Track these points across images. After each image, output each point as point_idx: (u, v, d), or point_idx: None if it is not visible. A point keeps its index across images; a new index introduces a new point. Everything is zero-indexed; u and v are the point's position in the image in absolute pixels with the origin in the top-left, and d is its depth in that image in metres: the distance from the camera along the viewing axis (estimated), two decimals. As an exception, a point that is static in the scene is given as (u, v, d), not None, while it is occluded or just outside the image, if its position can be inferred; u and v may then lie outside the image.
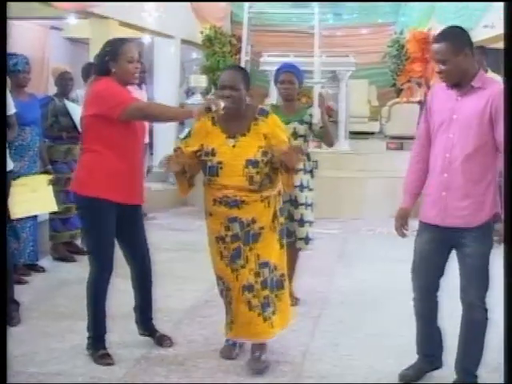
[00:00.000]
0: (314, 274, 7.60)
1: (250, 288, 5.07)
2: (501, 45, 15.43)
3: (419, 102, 16.17)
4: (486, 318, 4.67)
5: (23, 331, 5.76)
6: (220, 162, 5.02)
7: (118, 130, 5.07)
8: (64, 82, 8.42)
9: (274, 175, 5.12)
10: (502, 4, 12.77)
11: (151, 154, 13.01)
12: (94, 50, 12.24)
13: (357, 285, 7.48)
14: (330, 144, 6.97)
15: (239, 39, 17.96)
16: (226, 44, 17.14)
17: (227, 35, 17.88)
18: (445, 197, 4.63)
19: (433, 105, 4.78)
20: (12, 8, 13.44)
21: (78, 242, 8.46)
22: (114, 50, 5.12)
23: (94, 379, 4.93)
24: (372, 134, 17.09)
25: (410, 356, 5.14)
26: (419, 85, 16.80)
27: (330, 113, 13.26)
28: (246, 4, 13.95)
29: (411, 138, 15.15)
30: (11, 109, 6.11)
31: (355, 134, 14.92)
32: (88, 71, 8.84)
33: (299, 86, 6.59)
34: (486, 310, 4.65)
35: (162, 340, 5.57)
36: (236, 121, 5.08)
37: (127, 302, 5.65)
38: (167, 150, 13.31)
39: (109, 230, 5.22)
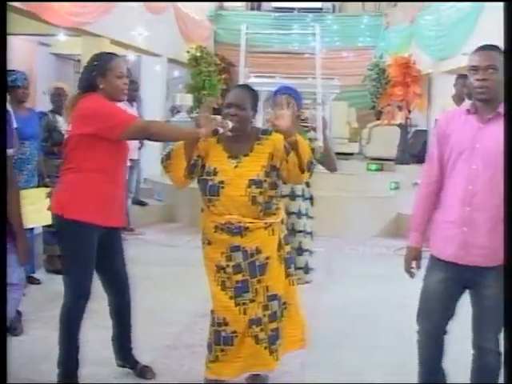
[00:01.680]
0: (303, 289, 7.68)
1: (257, 322, 4.75)
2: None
3: (399, 125, 16.41)
4: (500, 362, 4.12)
5: (26, 341, 5.83)
6: (221, 182, 4.68)
7: (107, 150, 4.71)
8: (59, 99, 8.48)
9: (277, 201, 4.84)
10: (482, 30, 13.08)
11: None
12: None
13: (345, 300, 7.58)
14: (334, 169, 6.40)
15: (223, 59, 18.19)
16: (211, 64, 17.29)
17: (212, 55, 18.05)
18: (466, 233, 4.12)
19: (449, 131, 4.24)
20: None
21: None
22: (102, 64, 4.77)
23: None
24: (351, 154, 17.25)
25: (397, 366, 5.53)
26: (400, 108, 17.04)
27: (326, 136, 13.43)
28: (243, 28, 13.99)
29: (391, 160, 15.47)
30: (12, 123, 6.11)
31: (336, 155, 15.00)
32: None
33: (297, 110, 5.86)
34: (500, 354, 4.12)
35: (143, 372, 5.21)
36: (240, 141, 4.75)
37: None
38: (153, 166, 13.46)
39: (90, 256, 4.81)
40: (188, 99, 15.97)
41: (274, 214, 4.82)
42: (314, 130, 13.15)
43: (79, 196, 4.73)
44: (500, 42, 4.04)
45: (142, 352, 5.48)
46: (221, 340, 4.79)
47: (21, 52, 15.98)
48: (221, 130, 4.59)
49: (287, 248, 4.97)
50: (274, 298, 4.79)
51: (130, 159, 10.20)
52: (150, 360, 5.46)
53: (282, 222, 4.95)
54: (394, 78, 17.04)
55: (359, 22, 21.29)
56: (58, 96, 8.50)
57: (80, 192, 4.74)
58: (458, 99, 10.49)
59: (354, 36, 20.94)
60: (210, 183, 4.72)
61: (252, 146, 4.76)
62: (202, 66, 17.10)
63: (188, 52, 17.39)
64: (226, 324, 4.76)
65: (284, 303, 4.91)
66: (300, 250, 5.97)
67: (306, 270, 6.04)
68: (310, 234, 6.09)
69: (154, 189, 13.36)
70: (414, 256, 4.50)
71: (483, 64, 3.99)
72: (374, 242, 11.09)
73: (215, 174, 4.74)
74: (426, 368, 4.47)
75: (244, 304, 4.74)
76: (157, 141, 5.62)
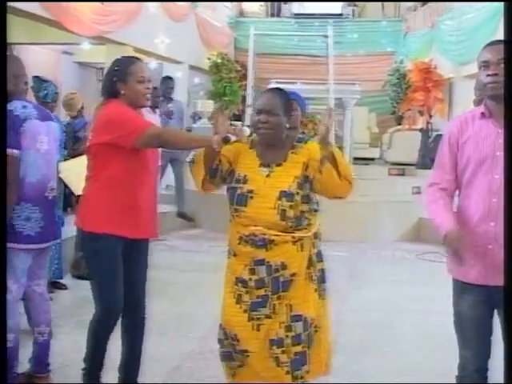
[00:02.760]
0: (327, 293, 7.72)
1: (279, 343, 4.26)
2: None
3: (421, 130, 16.41)
4: None
5: (54, 345, 5.87)
6: (251, 191, 4.26)
7: (128, 159, 4.42)
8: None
9: (310, 216, 4.35)
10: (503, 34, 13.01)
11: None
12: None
13: (368, 305, 7.60)
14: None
15: (243, 66, 18.24)
16: (232, 70, 17.37)
17: (232, 61, 18.12)
18: (492, 250, 3.69)
19: (464, 138, 3.84)
20: (27, 33, 13.64)
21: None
22: (122, 69, 4.50)
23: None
24: (372, 159, 17.28)
25: (422, 373, 5.48)
26: (421, 113, 17.04)
27: (338, 139, 13.49)
28: (251, 29, 14.03)
29: (412, 165, 15.46)
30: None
31: (356, 160, 15.07)
32: None
33: (302, 115, 5.62)
34: None
35: None
36: (273, 149, 4.33)
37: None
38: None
39: (114, 269, 4.53)
40: (209, 105, 16.02)
41: (305, 228, 4.32)
42: (337, 135, 13.18)
43: (97, 207, 4.49)
44: None
45: (167, 357, 5.54)
46: (237, 352, 4.39)
47: (45, 61, 16.14)
48: (232, 138, 4.12)
49: (319, 265, 4.56)
50: (298, 318, 4.28)
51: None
52: (176, 364, 5.51)
53: (315, 236, 4.52)
54: (414, 82, 17.04)
55: (379, 28, 21.30)
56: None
57: (98, 203, 4.49)
58: (479, 103, 10.50)
59: (374, 41, 20.93)
60: (239, 192, 4.30)
61: (286, 154, 4.34)
62: (222, 72, 17.20)
63: (209, 59, 17.49)
64: (238, 340, 4.34)
65: (315, 326, 4.43)
66: (320, 257, 5.68)
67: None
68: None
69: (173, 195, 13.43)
70: (457, 237, 3.72)
71: (494, 58, 3.70)
72: (396, 246, 11.10)
73: (245, 182, 4.32)
74: None
75: (258, 319, 4.28)
76: (172, 148, 5.46)
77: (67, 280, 8.03)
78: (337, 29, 18.51)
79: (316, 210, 5.49)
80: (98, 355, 4.66)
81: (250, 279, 4.28)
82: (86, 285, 7.56)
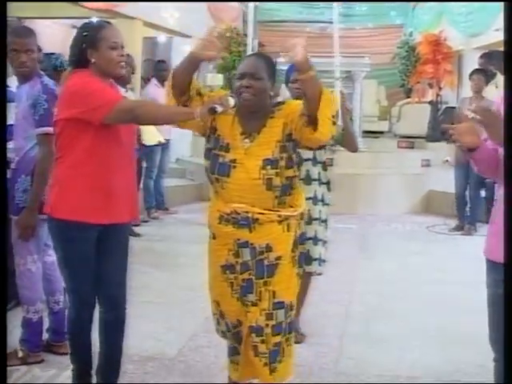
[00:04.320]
0: (339, 265, 7.80)
1: (258, 331, 3.95)
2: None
3: (430, 102, 16.38)
4: None
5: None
6: (233, 160, 3.89)
7: (97, 136, 3.89)
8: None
9: (295, 186, 4.00)
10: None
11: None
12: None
13: (379, 275, 7.68)
14: (354, 149, 5.87)
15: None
16: (241, 44, 17.35)
17: (242, 35, 18.10)
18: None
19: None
20: (37, 8, 13.67)
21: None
22: (92, 34, 3.92)
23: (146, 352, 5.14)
24: (381, 133, 17.28)
25: (435, 339, 5.60)
26: (430, 85, 16.99)
27: (346, 112, 13.48)
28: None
29: (422, 138, 15.48)
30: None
31: (366, 133, 15.07)
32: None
33: None
34: None
35: None
36: (255, 117, 3.93)
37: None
38: (185, 146, 13.53)
39: (85, 259, 4.05)
40: (219, 79, 16.03)
41: (291, 206, 3.99)
42: (347, 108, 13.18)
43: (67, 192, 3.99)
44: None
45: (182, 327, 5.63)
46: (242, 338, 4.12)
47: (54, 35, 16.14)
48: (219, 109, 3.76)
49: (301, 248, 4.14)
50: (280, 306, 3.95)
51: (165, 139, 10.34)
52: (191, 333, 5.58)
53: (301, 217, 4.10)
54: (424, 55, 16.93)
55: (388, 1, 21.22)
56: None
57: (68, 187, 3.99)
58: (488, 77, 10.59)
59: (383, 14, 20.83)
60: (221, 160, 3.93)
61: (265, 121, 3.93)
62: (232, 46, 17.15)
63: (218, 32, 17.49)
64: (241, 324, 4.09)
65: (294, 314, 4.15)
66: (315, 240, 5.35)
67: (320, 262, 5.43)
68: (325, 221, 5.49)
69: (186, 169, 13.49)
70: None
71: None
72: (406, 218, 11.15)
73: (227, 150, 3.94)
74: None
75: (246, 306, 4.01)
76: (146, 124, 4.97)
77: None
78: (346, 2, 18.47)
79: (327, 204, 5.51)
80: (82, 353, 4.26)
81: (236, 263, 3.97)
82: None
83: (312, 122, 3.67)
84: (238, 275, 3.97)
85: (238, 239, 3.91)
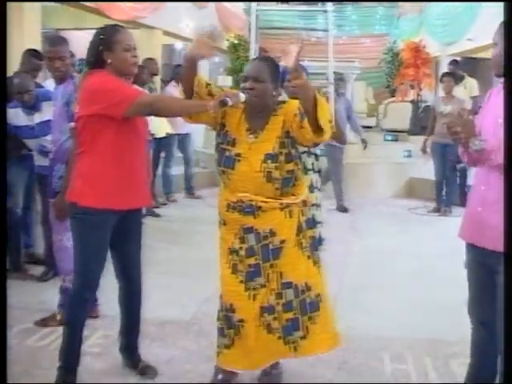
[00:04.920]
0: (332, 241, 7.77)
1: (270, 310, 3.85)
2: (480, 55, 15.61)
3: (411, 101, 16.42)
4: None
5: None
6: (238, 154, 3.81)
7: (118, 129, 3.84)
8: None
9: (297, 178, 3.89)
10: (484, 19, 13.03)
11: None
12: (142, 55, 12.49)
13: (367, 251, 7.68)
14: (343, 141, 5.81)
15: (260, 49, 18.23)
16: (247, 50, 17.34)
17: (248, 42, 18.10)
18: (480, 213, 3.27)
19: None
20: (70, 20, 13.64)
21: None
22: (108, 38, 3.85)
23: (165, 316, 5.16)
24: (370, 127, 17.25)
25: (415, 305, 5.61)
26: (412, 86, 17.10)
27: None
28: (253, 5, 13.93)
29: (404, 132, 15.46)
30: None
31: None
32: (137, 73, 9.05)
33: None
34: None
35: (145, 371, 4.26)
36: (260, 115, 3.84)
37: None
38: (198, 136, 13.48)
39: (101, 245, 3.97)
40: (228, 80, 16.11)
41: (293, 195, 3.88)
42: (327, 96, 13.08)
43: (90, 182, 3.90)
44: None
45: (196, 294, 5.64)
46: (232, 325, 3.92)
47: (83, 44, 16.17)
48: (229, 102, 3.63)
49: (310, 233, 4.02)
50: (288, 285, 3.85)
51: (185, 133, 10.29)
52: (204, 300, 5.57)
53: (304, 204, 3.99)
54: (406, 60, 17.06)
55: (375, 12, 21.16)
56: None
57: (91, 178, 3.90)
58: (457, 79, 10.63)
59: (371, 24, 20.83)
60: (227, 154, 3.84)
61: (268, 118, 3.85)
62: (239, 51, 17.17)
63: (227, 40, 17.46)
64: (233, 311, 3.89)
65: (317, 295, 3.94)
66: (314, 223, 5.11)
67: (320, 241, 5.14)
68: (320, 206, 5.27)
69: (199, 158, 13.47)
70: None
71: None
72: (390, 202, 11.13)
73: (233, 144, 3.86)
74: (474, 360, 3.59)
75: (255, 289, 3.84)
76: (164, 116, 4.73)
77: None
78: (338, 13, 18.53)
79: (320, 190, 5.17)
80: (73, 341, 4.03)
81: (241, 248, 3.85)
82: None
83: (312, 124, 3.51)
84: (244, 259, 3.84)
85: (244, 225, 3.82)
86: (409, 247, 7.88)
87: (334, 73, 11.47)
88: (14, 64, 6.92)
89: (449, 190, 10.09)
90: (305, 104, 3.48)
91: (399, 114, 16.09)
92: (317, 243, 4.78)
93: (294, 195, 3.86)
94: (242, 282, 3.84)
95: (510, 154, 2.99)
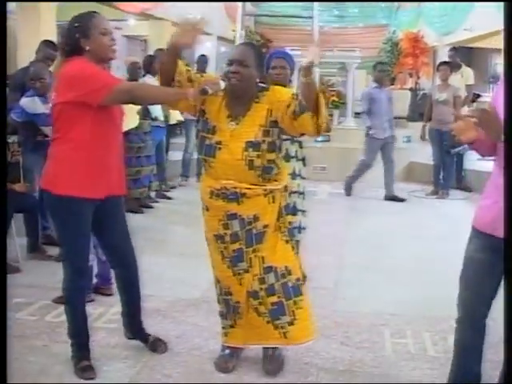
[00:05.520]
0: (334, 222, 7.83)
1: (254, 295, 3.77)
2: (476, 45, 15.56)
3: (410, 89, 16.46)
4: None
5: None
6: (219, 142, 3.64)
7: (94, 118, 3.61)
8: (134, 71, 8.57)
9: (278, 166, 3.76)
10: (480, 10, 12.98)
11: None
12: (152, 45, 12.52)
13: (368, 231, 7.68)
14: (327, 129, 5.67)
15: (262, 36, 18.19)
16: (253, 40, 17.29)
17: (253, 33, 18.06)
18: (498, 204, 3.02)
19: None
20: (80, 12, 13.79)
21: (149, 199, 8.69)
22: (83, 24, 3.64)
23: (176, 294, 5.19)
24: (370, 114, 17.25)
25: (414, 282, 5.67)
26: (410, 75, 17.16)
27: (341, 96, 13.49)
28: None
29: (404, 118, 15.46)
30: None
31: (357, 114, 15.04)
32: (149, 63, 9.05)
33: (291, 73, 5.09)
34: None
35: (155, 345, 4.17)
36: (241, 101, 3.66)
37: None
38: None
39: (83, 232, 3.78)
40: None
41: (275, 181, 3.76)
42: (339, 94, 13.11)
43: (66, 169, 3.68)
44: (495, 21, 3.71)
45: (205, 273, 5.66)
46: (231, 307, 3.90)
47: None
48: (210, 91, 3.53)
49: (288, 218, 3.99)
50: (269, 270, 3.74)
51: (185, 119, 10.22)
52: (213, 278, 5.60)
53: (285, 189, 3.89)
54: (405, 50, 17.12)
55: (376, 4, 21.10)
56: (134, 69, 8.58)
57: (67, 165, 3.68)
58: (455, 68, 10.61)
59: (372, 16, 20.75)
60: (207, 142, 3.68)
61: (250, 105, 3.67)
62: (245, 41, 17.12)
63: (233, 31, 17.38)
64: (231, 294, 3.85)
65: (298, 279, 3.82)
66: (294, 210, 5.03)
67: (300, 229, 5.13)
68: (303, 194, 5.17)
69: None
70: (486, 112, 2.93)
71: None
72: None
73: (214, 132, 3.68)
74: (458, 360, 3.40)
75: (239, 274, 3.78)
76: (142, 104, 4.15)
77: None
78: (340, 5, 18.52)
79: (303, 178, 5.08)
80: (79, 324, 3.93)
81: (226, 234, 3.74)
82: (133, 217, 7.68)
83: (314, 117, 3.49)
84: (229, 245, 3.74)
85: (228, 211, 3.70)
86: (408, 227, 7.89)
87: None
88: (31, 56, 6.95)
89: (446, 174, 10.09)
90: (306, 102, 3.45)
91: (398, 101, 16.02)
92: (297, 231, 4.93)
93: (276, 181, 3.76)
94: (228, 267, 3.79)
95: (510, 154, 2.85)
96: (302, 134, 3.84)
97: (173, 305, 5.06)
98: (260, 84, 3.73)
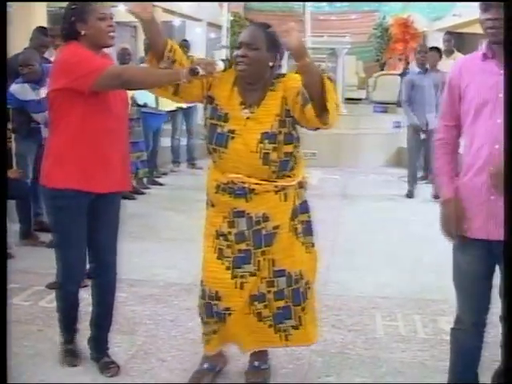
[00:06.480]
0: (326, 209, 7.84)
1: (260, 298, 3.47)
2: (465, 30, 15.61)
3: (400, 74, 16.48)
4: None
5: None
6: (232, 131, 3.31)
7: (88, 105, 3.39)
8: (124, 57, 8.56)
9: (295, 160, 3.41)
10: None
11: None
12: (142, 32, 12.43)
13: (359, 216, 7.74)
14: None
15: (251, 22, 18.17)
16: (243, 26, 17.30)
17: (243, 18, 18.09)
18: (494, 201, 2.86)
19: (465, 82, 2.96)
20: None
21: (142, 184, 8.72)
22: (80, 7, 3.41)
23: (169, 279, 5.21)
24: (360, 100, 17.29)
25: (403, 266, 5.75)
26: (400, 60, 17.20)
27: (332, 82, 13.49)
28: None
29: (393, 104, 15.49)
30: None
31: (347, 100, 15.09)
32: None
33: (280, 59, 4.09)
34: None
35: (104, 368, 3.77)
36: (254, 88, 3.34)
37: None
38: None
39: (78, 229, 3.57)
40: (223, 55, 16.09)
41: (289, 177, 3.41)
42: (330, 79, 13.09)
43: (60, 161, 3.49)
44: None
45: (197, 258, 5.68)
46: (213, 314, 3.48)
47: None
48: (201, 71, 3.17)
49: (303, 217, 3.54)
50: (281, 274, 3.44)
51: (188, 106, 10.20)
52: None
53: (300, 186, 3.51)
54: (395, 35, 17.24)
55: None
56: (123, 55, 8.58)
57: (60, 157, 3.49)
58: (448, 53, 10.62)
59: (361, 1, 20.85)
60: (219, 130, 3.34)
61: (265, 93, 3.34)
62: (235, 27, 17.07)
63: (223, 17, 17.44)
64: (219, 299, 3.44)
65: (307, 283, 3.54)
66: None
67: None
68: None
69: (199, 131, 13.47)
70: (450, 213, 3.03)
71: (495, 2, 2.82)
72: (381, 170, 11.13)
73: (226, 120, 3.35)
74: (459, 363, 3.22)
75: (242, 277, 3.41)
76: (133, 89, 3.95)
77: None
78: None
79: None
80: (68, 324, 3.83)
81: (230, 233, 3.41)
82: (126, 203, 7.67)
83: (317, 108, 3.07)
84: (234, 245, 3.41)
85: (235, 208, 3.37)
86: (398, 212, 7.95)
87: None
88: (23, 43, 6.93)
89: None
90: (310, 87, 3.05)
91: (388, 86, 16.11)
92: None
93: (290, 177, 3.41)
94: (228, 268, 3.42)
95: (510, 153, 2.67)
96: (317, 128, 3.28)
97: (166, 290, 5.10)
98: (278, 73, 3.39)
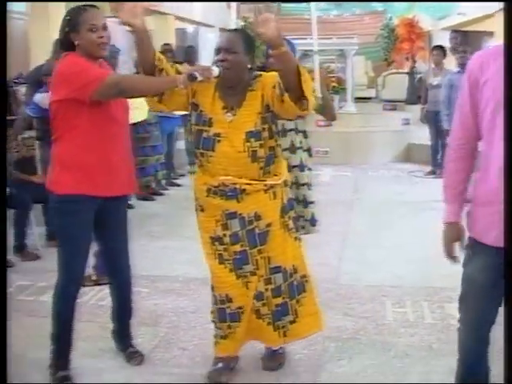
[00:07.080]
0: (337, 204, 7.96)
1: (259, 296, 3.54)
2: (470, 28, 15.67)
3: (407, 73, 16.59)
4: None
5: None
6: (217, 134, 3.34)
7: (91, 113, 3.38)
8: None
9: (277, 153, 3.46)
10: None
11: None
12: (157, 40, 12.59)
13: (370, 211, 7.82)
14: (332, 117, 5.19)
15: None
16: (253, 30, 17.40)
17: (254, 24, 18.17)
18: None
19: (485, 77, 2.59)
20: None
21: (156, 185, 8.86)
22: (73, 18, 3.40)
23: (189, 274, 5.34)
24: (369, 98, 17.38)
25: (411, 257, 5.80)
26: (407, 59, 17.28)
27: (341, 82, 13.61)
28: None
29: (402, 101, 15.59)
30: None
31: (357, 99, 15.17)
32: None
33: None
34: None
35: (131, 357, 3.89)
36: (234, 91, 3.38)
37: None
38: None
39: (82, 234, 3.56)
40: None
41: (276, 175, 3.48)
42: (339, 80, 13.16)
43: (63, 169, 3.50)
44: (487, 5, 3.73)
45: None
46: (226, 317, 3.56)
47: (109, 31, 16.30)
48: (199, 77, 3.21)
49: (292, 213, 3.61)
50: (277, 270, 3.51)
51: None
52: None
53: (285, 184, 3.58)
54: (401, 35, 17.30)
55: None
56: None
57: (64, 164, 3.50)
58: (454, 51, 10.68)
59: (368, 3, 20.90)
60: (205, 135, 3.38)
61: (245, 94, 3.38)
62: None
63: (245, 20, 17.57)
64: (230, 300, 3.53)
65: (303, 276, 3.63)
66: (305, 203, 4.83)
67: (313, 222, 4.88)
68: (311, 185, 4.90)
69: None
70: (455, 235, 2.94)
71: None
72: (391, 166, 11.18)
73: (210, 124, 3.38)
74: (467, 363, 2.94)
75: (245, 277, 3.49)
76: (133, 96, 3.84)
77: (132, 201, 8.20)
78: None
79: (310, 169, 4.77)
80: (64, 329, 3.65)
81: (225, 235, 3.46)
82: (145, 204, 7.81)
83: (295, 96, 3.11)
84: (229, 247, 3.46)
85: (227, 210, 3.41)
86: (407, 206, 8.01)
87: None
88: (41, 53, 7.08)
89: (443, 154, 10.18)
90: (287, 76, 3.10)
91: (396, 84, 16.25)
92: (309, 224, 4.83)
93: (276, 175, 3.48)
94: (231, 270, 3.49)
95: (510, 153, 2.49)
96: (300, 116, 3.61)
97: (186, 284, 5.24)
98: (253, 71, 3.44)
